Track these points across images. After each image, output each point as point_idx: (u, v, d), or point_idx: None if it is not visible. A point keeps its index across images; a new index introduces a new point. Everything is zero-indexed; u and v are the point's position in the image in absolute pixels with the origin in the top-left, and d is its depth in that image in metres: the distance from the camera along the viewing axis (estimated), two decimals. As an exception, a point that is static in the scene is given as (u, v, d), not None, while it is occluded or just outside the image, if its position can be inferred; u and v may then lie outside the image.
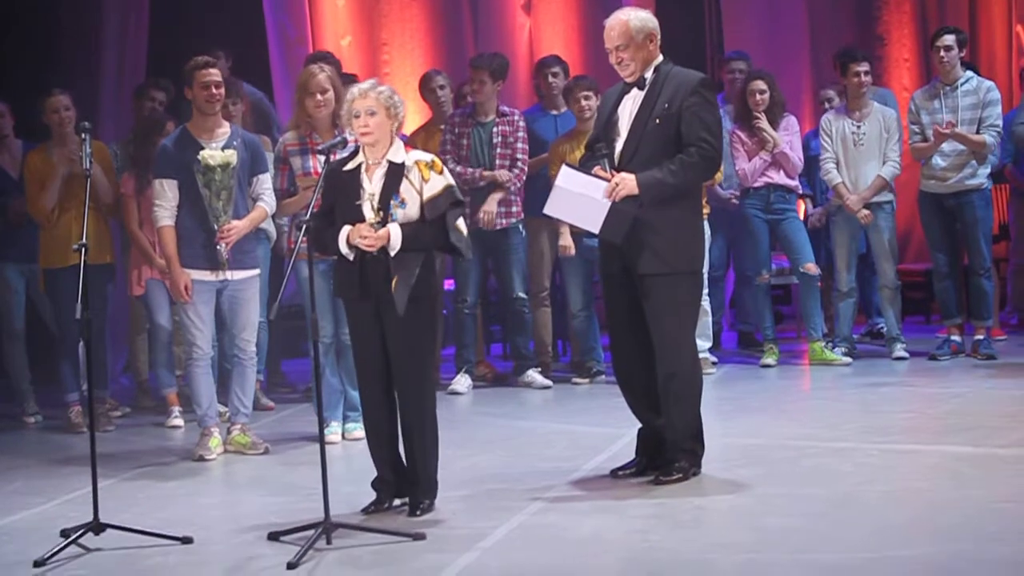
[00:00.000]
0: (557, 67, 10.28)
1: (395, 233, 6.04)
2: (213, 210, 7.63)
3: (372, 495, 6.28)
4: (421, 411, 6.17)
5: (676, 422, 6.55)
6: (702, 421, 6.66)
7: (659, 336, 6.52)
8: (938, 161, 9.80)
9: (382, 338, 6.19)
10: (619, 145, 6.61)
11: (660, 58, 6.65)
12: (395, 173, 6.15)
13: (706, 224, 8.16)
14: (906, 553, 5.17)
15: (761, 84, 10.04)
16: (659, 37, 6.65)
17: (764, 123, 9.98)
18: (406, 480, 6.28)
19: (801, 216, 10.57)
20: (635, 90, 6.63)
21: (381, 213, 6.08)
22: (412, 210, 6.11)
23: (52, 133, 8.93)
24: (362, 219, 6.10)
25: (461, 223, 6.21)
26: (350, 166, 6.24)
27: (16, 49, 10.76)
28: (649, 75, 6.61)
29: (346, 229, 6.10)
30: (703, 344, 9.36)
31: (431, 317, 6.27)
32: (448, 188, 6.18)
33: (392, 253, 6.04)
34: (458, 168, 9.45)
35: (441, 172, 6.20)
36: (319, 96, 7.89)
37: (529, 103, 11.17)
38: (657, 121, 6.51)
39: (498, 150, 9.63)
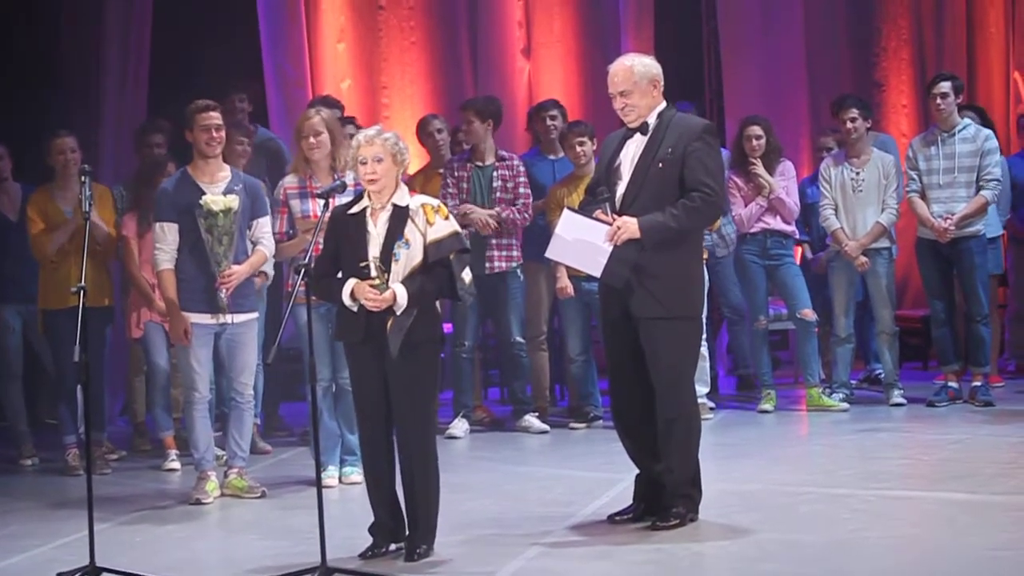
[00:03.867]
0: (555, 111, 10.26)
1: (400, 295, 6.06)
2: (214, 255, 7.62)
3: (369, 539, 6.27)
4: (423, 455, 6.18)
5: (674, 467, 6.54)
6: (700, 466, 6.66)
7: (659, 381, 6.52)
8: (936, 209, 9.82)
9: (383, 382, 6.20)
10: (621, 189, 6.62)
11: (663, 104, 6.68)
12: (400, 216, 6.18)
13: (704, 269, 8.17)
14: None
15: (757, 129, 10.04)
16: (662, 83, 6.68)
17: (760, 168, 9.99)
18: (403, 524, 6.28)
19: (798, 261, 10.58)
20: (638, 135, 6.64)
21: (386, 275, 6.10)
22: (415, 251, 6.14)
23: (56, 175, 8.95)
24: (367, 267, 6.13)
25: (467, 273, 6.25)
26: (355, 209, 6.28)
27: (13, 91, 10.76)
28: (652, 120, 6.62)
29: (351, 283, 6.13)
30: (701, 389, 9.33)
31: (432, 361, 6.27)
32: (454, 234, 6.21)
33: (399, 312, 6.08)
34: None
35: (447, 218, 6.24)
36: (312, 139, 7.92)
37: (528, 147, 11.18)
38: (660, 166, 6.52)
39: (498, 194, 9.63)
